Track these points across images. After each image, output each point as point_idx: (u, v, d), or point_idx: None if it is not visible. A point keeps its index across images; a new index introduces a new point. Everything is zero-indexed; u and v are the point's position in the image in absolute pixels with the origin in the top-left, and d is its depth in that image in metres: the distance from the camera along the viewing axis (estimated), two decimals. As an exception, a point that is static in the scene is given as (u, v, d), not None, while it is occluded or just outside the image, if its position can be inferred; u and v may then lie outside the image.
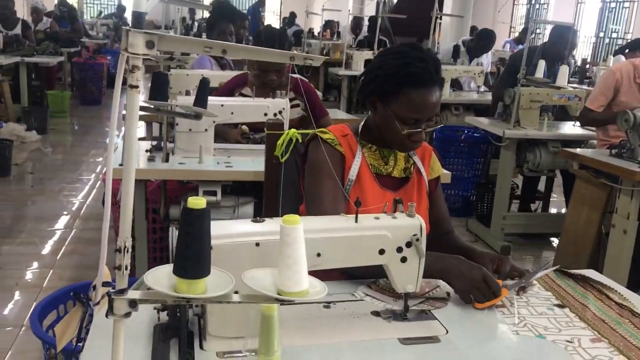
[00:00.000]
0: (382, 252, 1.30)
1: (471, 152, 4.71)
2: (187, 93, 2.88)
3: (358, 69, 7.69)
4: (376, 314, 1.41)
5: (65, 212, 4.33)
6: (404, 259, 1.33)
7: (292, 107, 3.08)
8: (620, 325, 1.39)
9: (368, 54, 7.10)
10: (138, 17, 0.85)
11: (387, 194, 1.72)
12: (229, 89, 3.10)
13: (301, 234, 0.98)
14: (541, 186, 4.80)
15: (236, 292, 1.10)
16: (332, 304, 1.45)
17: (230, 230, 1.22)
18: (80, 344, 1.16)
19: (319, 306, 1.44)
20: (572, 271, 1.68)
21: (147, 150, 2.46)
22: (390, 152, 1.75)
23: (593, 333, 1.35)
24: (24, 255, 3.53)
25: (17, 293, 3.07)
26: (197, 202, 0.92)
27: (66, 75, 9.33)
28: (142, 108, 2.28)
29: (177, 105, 2.18)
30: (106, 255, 0.93)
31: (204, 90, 2.16)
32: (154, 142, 2.57)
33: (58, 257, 3.52)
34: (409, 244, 1.32)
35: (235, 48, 0.88)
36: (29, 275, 3.29)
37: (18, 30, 7.30)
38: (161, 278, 0.96)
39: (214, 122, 2.52)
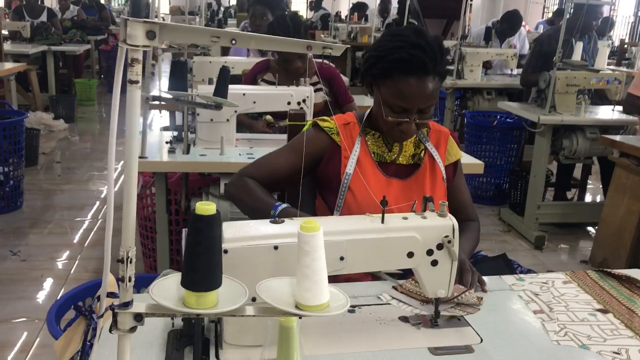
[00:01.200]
0: (410, 255, 1.21)
1: (504, 139, 4.55)
2: (210, 81, 2.81)
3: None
4: (404, 319, 1.32)
5: (92, 202, 4.32)
6: (434, 262, 1.23)
7: (315, 91, 3.00)
8: (671, 334, 1.28)
9: (438, 36, 6.93)
10: (136, 4, 0.77)
11: (393, 182, 1.65)
12: (251, 76, 3.02)
13: (321, 241, 0.89)
14: (577, 173, 4.62)
15: (253, 300, 1.02)
16: (358, 308, 1.37)
17: (246, 233, 1.14)
18: None
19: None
20: (616, 271, 1.56)
21: (167, 142, 2.39)
22: None
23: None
24: (51, 246, 3.52)
25: (42, 284, 3.05)
26: (206, 207, 0.84)
27: (94, 63, 9.37)
28: (159, 98, 2.21)
29: (197, 95, 2.10)
30: (110, 263, 0.85)
31: (225, 79, 2.08)
32: (175, 133, 2.50)
33: (84, 248, 3.50)
34: (440, 246, 1.22)
35: (246, 37, 0.79)
36: (54, 267, 3.27)
37: (44, 18, 7.31)
38: (169, 289, 0.88)
39: (235, 111, 2.44)
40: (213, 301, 0.86)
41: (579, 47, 3.79)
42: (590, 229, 4.24)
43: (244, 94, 2.44)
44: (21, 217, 3.98)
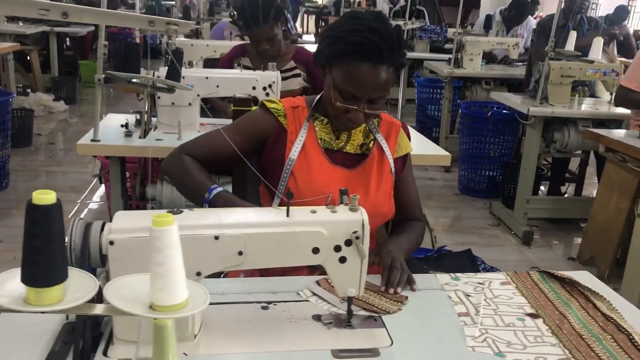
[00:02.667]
0: (316, 251, 1.14)
1: (498, 130, 4.43)
2: (190, 64, 2.75)
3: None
4: (317, 318, 1.25)
5: (81, 185, 4.29)
6: (342, 259, 1.16)
7: (292, 76, 2.92)
8: (599, 343, 1.19)
9: (403, 25, 6.80)
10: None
11: (338, 170, 1.58)
12: (228, 60, 2.95)
13: (174, 236, 0.82)
14: (576, 167, 4.50)
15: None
16: (273, 304, 1.30)
17: (135, 224, 1.08)
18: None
19: (257, 307, 1.29)
20: (559, 273, 1.48)
21: (122, 125, 2.33)
22: None
23: (563, 352, 1.16)
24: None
25: (11, 267, 3.02)
26: (44, 196, 0.77)
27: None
28: (110, 80, 2.16)
29: (149, 78, 2.04)
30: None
31: (178, 62, 2.01)
32: (138, 117, 2.44)
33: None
34: (348, 242, 1.15)
35: (77, 11, 0.72)
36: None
37: (48, -1, 7.29)
38: (10, 283, 0.82)
39: (198, 95, 2.37)
40: (57, 297, 0.81)
41: (572, 36, 3.65)
42: (583, 225, 4.12)
43: (206, 78, 2.37)
44: (5, 198, 3.97)
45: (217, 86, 2.38)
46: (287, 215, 1.13)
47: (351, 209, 1.16)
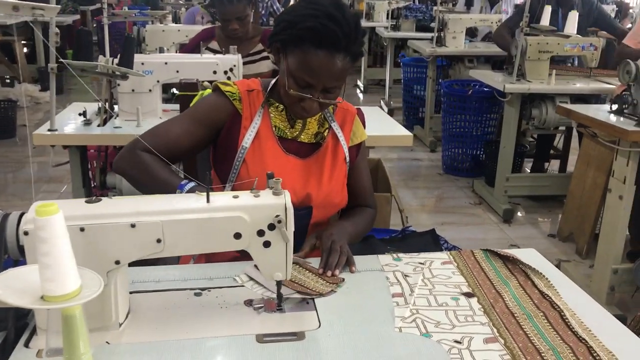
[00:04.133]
0: (238, 236, 1.13)
1: (480, 108, 4.40)
2: (161, 50, 2.73)
3: (380, 19, 7.35)
4: (249, 303, 1.24)
5: (57, 176, 4.28)
6: (267, 244, 1.15)
7: (261, 59, 2.90)
8: (530, 320, 1.18)
9: (387, 4, 6.73)
10: None
11: (291, 160, 1.54)
12: (195, 44, 2.93)
13: (59, 225, 0.81)
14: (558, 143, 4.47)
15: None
16: (206, 291, 1.30)
17: (50, 213, 1.06)
18: None
19: (190, 293, 1.28)
20: (504, 251, 1.46)
21: (80, 114, 2.32)
22: None
23: (491, 331, 1.15)
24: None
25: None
26: None
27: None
28: (61, 69, 2.14)
29: (101, 65, 2.02)
30: None
31: (130, 48, 1.99)
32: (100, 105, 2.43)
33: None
34: (271, 227, 1.14)
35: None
36: None
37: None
38: None
39: (158, 81, 2.35)
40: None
41: (547, 11, 3.61)
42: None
43: (165, 63, 2.35)
44: (-17, 189, 3.98)
45: (177, 71, 2.35)
46: (208, 201, 1.12)
47: (274, 192, 1.15)
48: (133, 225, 1.08)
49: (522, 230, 3.67)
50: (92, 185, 2.48)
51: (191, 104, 1.69)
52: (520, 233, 3.62)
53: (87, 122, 2.27)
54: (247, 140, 1.51)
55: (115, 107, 2.43)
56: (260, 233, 1.14)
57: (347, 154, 1.60)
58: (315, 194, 1.53)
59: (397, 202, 2.68)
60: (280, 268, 1.17)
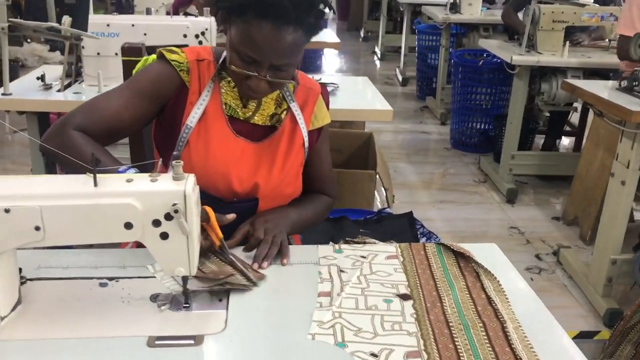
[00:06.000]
0: (129, 226, 0.99)
1: (492, 80, 4.16)
2: (148, 12, 2.60)
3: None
4: (155, 297, 1.12)
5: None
6: (164, 235, 1.01)
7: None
8: (466, 332, 1.03)
9: None
10: None
11: (241, 144, 1.36)
12: (174, 8, 2.77)
13: None
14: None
15: None
16: (114, 281, 1.17)
17: None
18: None
19: (94, 283, 1.16)
20: (458, 247, 1.31)
21: (37, 78, 2.19)
22: None
23: (417, 343, 1.00)
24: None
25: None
26: None
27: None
28: (14, 29, 2.01)
29: (53, 26, 1.88)
30: None
31: (84, 9, 1.85)
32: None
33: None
34: (169, 216, 1.00)
35: None
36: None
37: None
38: None
39: (125, 44, 2.21)
40: None
41: (562, -23, 3.34)
42: (575, 182, 3.89)
43: (132, 25, 2.20)
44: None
45: (145, 34, 2.21)
46: (95, 184, 0.99)
47: (175, 177, 1.01)
48: (7, 210, 0.96)
49: (525, 211, 3.48)
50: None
51: (134, 72, 1.54)
52: (522, 214, 3.43)
53: (48, 87, 2.14)
54: (192, 118, 1.34)
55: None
56: (156, 223, 1.00)
57: (306, 139, 1.42)
58: (263, 184, 1.36)
59: (382, 180, 2.52)
60: (182, 263, 1.04)
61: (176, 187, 1.00)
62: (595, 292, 2.56)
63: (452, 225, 3.27)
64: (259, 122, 1.39)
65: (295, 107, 1.41)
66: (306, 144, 1.43)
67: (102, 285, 1.16)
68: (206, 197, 1.30)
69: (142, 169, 1.63)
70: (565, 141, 4.51)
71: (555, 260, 2.95)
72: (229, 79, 1.37)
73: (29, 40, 6.30)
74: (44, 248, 1.24)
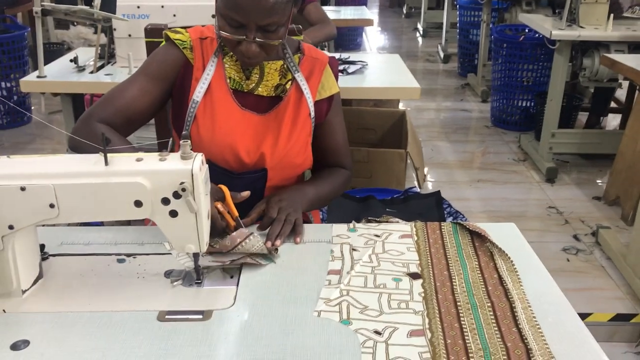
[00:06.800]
0: (139, 204, 1.02)
1: (533, 56, 4.05)
2: None
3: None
4: (169, 274, 1.15)
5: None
6: (173, 213, 1.04)
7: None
8: (473, 311, 1.03)
9: None
10: None
11: (247, 116, 1.38)
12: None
13: None
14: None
15: None
16: (132, 257, 1.21)
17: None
18: None
19: (112, 259, 1.20)
20: (475, 226, 1.29)
21: (70, 60, 2.25)
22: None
23: (422, 321, 1.00)
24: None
25: None
26: None
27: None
28: (47, 12, 2.06)
29: (79, 9, 1.93)
30: None
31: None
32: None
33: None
34: (177, 195, 1.02)
35: None
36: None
37: None
38: None
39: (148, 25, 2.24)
40: None
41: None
42: (621, 160, 3.75)
43: (162, 6, 2.23)
44: (25, 132, 4.06)
45: (174, 15, 2.24)
46: (106, 163, 1.02)
47: (183, 156, 1.03)
48: (23, 189, 1.00)
49: (565, 191, 3.39)
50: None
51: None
52: (562, 194, 3.35)
53: (81, 69, 2.20)
54: (198, 93, 1.37)
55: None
56: (165, 201, 1.03)
57: (311, 109, 1.43)
58: (270, 154, 1.38)
59: (413, 159, 2.50)
60: (192, 240, 1.06)
61: (183, 166, 1.01)
62: (633, 274, 2.49)
63: (489, 204, 3.22)
64: (263, 94, 1.41)
65: (300, 78, 1.42)
66: (312, 114, 1.43)
67: (120, 261, 1.20)
68: (216, 170, 1.34)
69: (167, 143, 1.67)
70: (612, 119, 4.35)
71: (594, 241, 2.88)
72: (232, 53, 1.39)
73: (75, 23, 6.45)
74: (66, 225, 1.30)
